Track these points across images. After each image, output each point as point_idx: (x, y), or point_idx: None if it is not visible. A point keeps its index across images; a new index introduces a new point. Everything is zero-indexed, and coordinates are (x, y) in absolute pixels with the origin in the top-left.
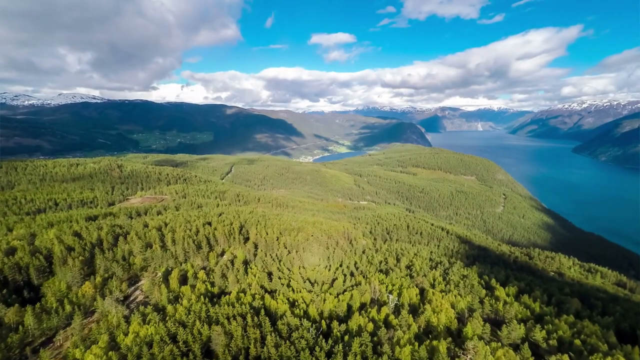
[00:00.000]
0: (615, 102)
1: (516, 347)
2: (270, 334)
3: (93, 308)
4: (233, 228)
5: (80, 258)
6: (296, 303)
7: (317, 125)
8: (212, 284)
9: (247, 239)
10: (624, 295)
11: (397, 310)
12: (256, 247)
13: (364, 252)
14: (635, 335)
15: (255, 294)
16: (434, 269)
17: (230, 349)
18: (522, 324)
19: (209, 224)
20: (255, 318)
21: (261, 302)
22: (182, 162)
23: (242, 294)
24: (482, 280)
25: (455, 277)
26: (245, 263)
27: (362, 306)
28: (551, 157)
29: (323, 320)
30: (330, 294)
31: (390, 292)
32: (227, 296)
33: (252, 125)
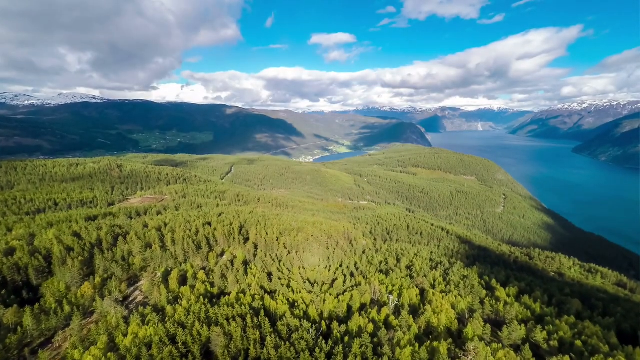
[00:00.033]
0: (615, 102)
1: (517, 348)
2: (270, 335)
3: (92, 309)
4: (233, 228)
5: (80, 258)
6: (296, 304)
7: (317, 125)
8: (212, 285)
9: (247, 239)
10: (625, 295)
11: (397, 311)
12: (256, 247)
13: (364, 253)
14: (636, 336)
15: (255, 294)
16: (434, 270)
17: (230, 350)
18: (522, 324)
19: (209, 224)
20: (255, 319)
21: (261, 303)
22: (182, 162)
23: (241, 295)
24: (483, 281)
25: (455, 277)
26: (245, 263)
27: (362, 307)
28: (551, 157)
29: (323, 321)
30: (330, 294)
31: (391, 293)
32: (226, 297)
33: (252, 125)
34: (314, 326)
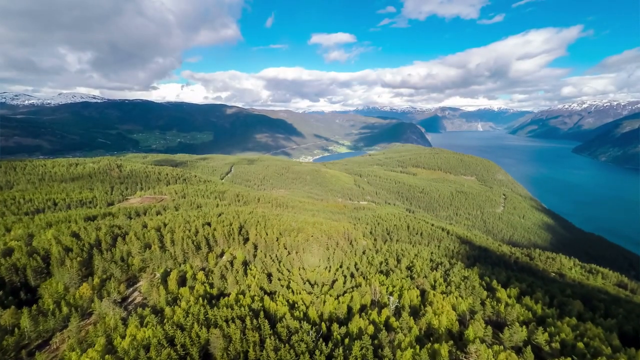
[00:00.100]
0: (615, 103)
1: (518, 350)
2: (270, 337)
3: (90, 310)
4: (232, 228)
5: (78, 259)
6: (296, 305)
7: (317, 125)
8: (211, 285)
9: (246, 240)
10: (625, 296)
11: (397, 312)
12: (256, 247)
13: (364, 253)
14: (638, 337)
15: (255, 295)
16: (434, 270)
17: (229, 352)
18: (524, 326)
19: (209, 224)
20: (255, 320)
21: (260, 304)
22: (181, 162)
23: (241, 296)
24: (483, 282)
25: (456, 278)
26: (245, 264)
27: (363, 308)
28: (551, 158)
29: (323, 323)
30: (331, 295)
31: (391, 294)
32: (226, 298)
33: (252, 125)
34: (313, 328)
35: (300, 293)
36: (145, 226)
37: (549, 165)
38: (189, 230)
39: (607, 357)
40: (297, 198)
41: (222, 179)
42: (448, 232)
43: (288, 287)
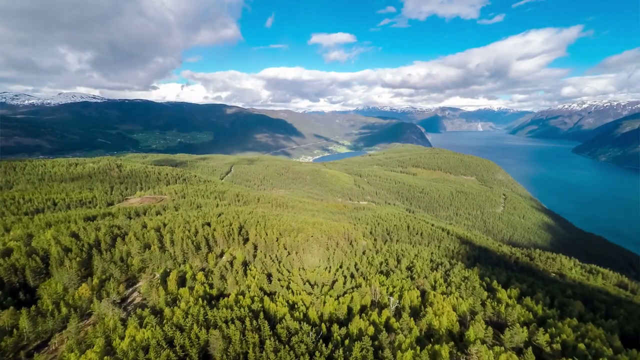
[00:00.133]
0: (616, 103)
1: (519, 351)
2: (269, 338)
3: (89, 310)
4: (232, 229)
5: (78, 259)
6: (296, 306)
7: (317, 125)
8: (211, 286)
9: (246, 240)
10: (626, 296)
11: (398, 313)
12: (255, 248)
13: (364, 253)
14: (639, 339)
15: (255, 296)
16: (434, 271)
17: (229, 353)
18: (524, 327)
19: (208, 224)
20: (254, 321)
21: (260, 305)
22: (181, 162)
23: (240, 297)
24: (484, 282)
25: (456, 278)
26: (245, 264)
27: (363, 309)
28: (551, 158)
29: (323, 324)
30: (331, 296)
31: (391, 295)
32: (225, 298)
33: (252, 125)
34: (313, 329)
35: (300, 294)
36: (144, 226)
37: (549, 166)
38: (189, 231)
39: (608, 359)
40: (297, 198)
41: (222, 179)
42: (448, 232)
43: (288, 287)
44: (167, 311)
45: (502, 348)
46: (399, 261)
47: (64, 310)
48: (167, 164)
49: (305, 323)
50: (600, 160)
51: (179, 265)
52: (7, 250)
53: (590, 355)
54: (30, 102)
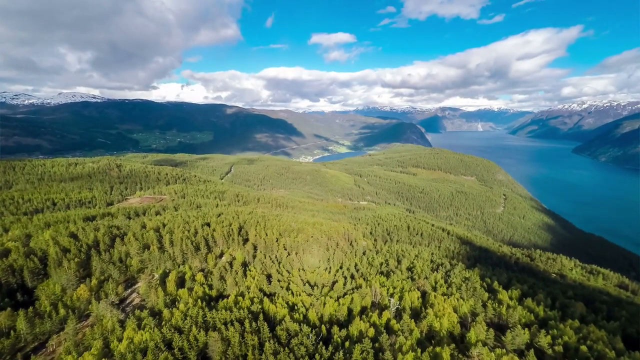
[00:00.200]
0: (615, 103)
1: (521, 353)
2: (269, 341)
3: (88, 312)
4: (232, 229)
5: (76, 260)
6: (295, 307)
7: (317, 125)
8: (210, 287)
9: (246, 240)
10: (627, 297)
11: (398, 315)
12: (255, 248)
13: (364, 254)
14: None
15: (254, 297)
16: (435, 271)
17: (227, 356)
18: (526, 328)
19: (208, 224)
20: (254, 323)
21: (260, 306)
22: (181, 162)
23: (240, 298)
24: (485, 283)
25: (457, 279)
26: (244, 265)
27: (363, 310)
28: (551, 158)
29: (323, 325)
30: (331, 297)
31: (392, 296)
32: (225, 300)
33: (252, 125)
34: (313, 331)
35: (300, 295)
36: (144, 226)
37: (549, 166)
38: (188, 231)
39: None
40: (297, 198)
41: (221, 179)
42: (448, 233)
43: (288, 288)
44: (165, 312)
45: (504, 350)
46: (399, 262)
47: (62, 311)
48: (167, 164)
49: (305, 325)
50: (600, 160)
51: (178, 266)
52: (5, 250)
53: (593, 358)
54: (30, 101)
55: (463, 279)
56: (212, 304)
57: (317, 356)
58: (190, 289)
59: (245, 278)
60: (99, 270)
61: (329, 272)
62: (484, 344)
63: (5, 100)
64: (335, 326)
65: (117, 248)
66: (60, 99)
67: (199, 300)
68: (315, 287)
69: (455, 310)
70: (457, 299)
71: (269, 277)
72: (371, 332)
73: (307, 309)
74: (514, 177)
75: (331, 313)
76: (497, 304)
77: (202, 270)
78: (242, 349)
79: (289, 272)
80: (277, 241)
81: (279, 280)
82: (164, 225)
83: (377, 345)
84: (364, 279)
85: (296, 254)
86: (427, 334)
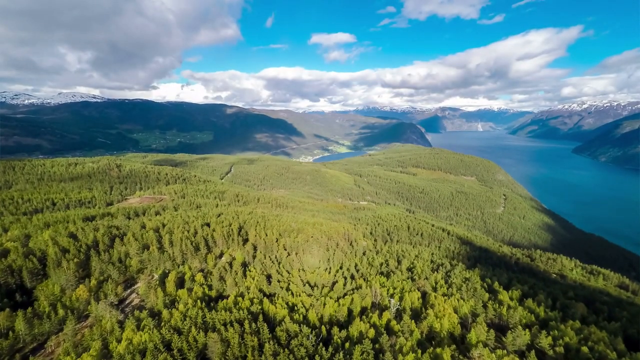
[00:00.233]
0: (616, 103)
1: (522, 354)
2: (269, 342)
3: (87, 312)
4: (232, 229)
5: (75, 260)
6: (295, 308)
7: (317, 125)
8: (210, 287)
9: (246, 241)
10: (627, 297)
11: (398, 315)
12: (255, 248)
13: (364, 254)
14: None
15: (254, 298)
16: (435, 272)
17: (227, 357)
18: (527, 329)
19: (208, 225)
20: (253, 324)
21: (259, 307)
22: (181, 162)
23: (240, 298)
24: (485, 283)
25: (457, 280)
26: (244, 265)
27: (363, 310)
28: (551, 158)
29: (323, 326)
30: (331, 297)
31: (392, 296)
32: (224, 300)
33: (252, 125)
34: (313, 332)
35: (299, 295)
36: (143, 227)
37: (549, 166)
38: (188, 231)
39: None
40: (297, 198)
41: (221, 179)
42: (448, 233)
43: (287, 289)
44: (165, 313)
45: (505, 351)
46: (399, 262)
47: (61, 312)
48: (167, 164)
49: (305, 326)
50: (600, 160)
51: (178, 267)
52: (4, 251)
53: (594, 359)
54: (30, 101)
55: (463, 280)
56: (212, 304)
57: (317, 357)
58: (190, 290)
59: (245, 278)
60: (98, 271)
61: (329, 272)
62: (485, 345)
63: (5, 100)
64: (336, 327)
65: (117, 248)
66: (60, 99)
67: (198, 300)
68: (315, 288)
69: (455, 311)
70: (458, 300)
71: (268, 277)
72: (371, 333)
73: (307, 310)
74: (514, 177)
75: (331, 314)
76: (497, 305)
77: (202, 270)
78: (241, 350)
79: (288, 273)
80: (277, 241)
81: (278, 281)
82: (164, 226)
83: (377, 346)
84: (364, 279)
85: (296, 254)
86: (427, 335)
